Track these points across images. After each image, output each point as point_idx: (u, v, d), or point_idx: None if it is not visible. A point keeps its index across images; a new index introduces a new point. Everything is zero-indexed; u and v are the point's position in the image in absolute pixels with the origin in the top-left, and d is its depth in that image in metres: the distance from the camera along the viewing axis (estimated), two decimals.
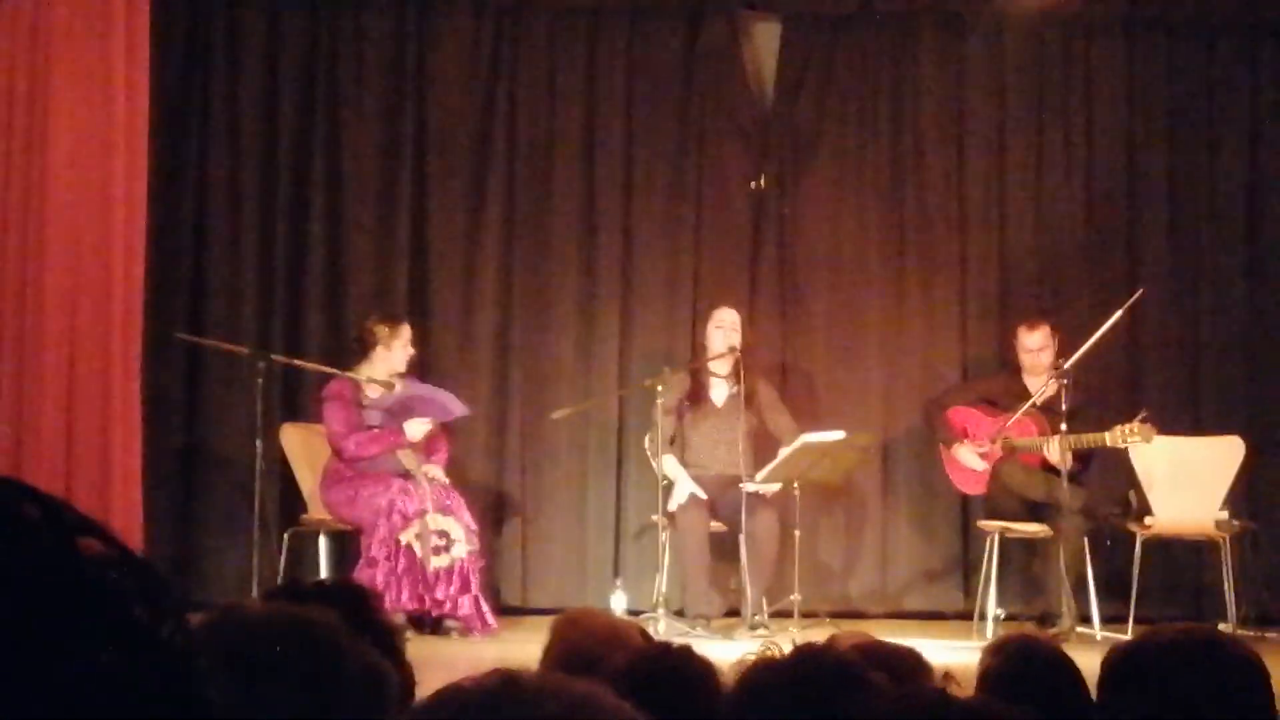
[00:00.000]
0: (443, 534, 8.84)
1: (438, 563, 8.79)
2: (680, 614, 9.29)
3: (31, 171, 7.73)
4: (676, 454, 9.48)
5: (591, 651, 3.62)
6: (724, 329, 9.49)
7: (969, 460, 9.58)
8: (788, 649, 2.72)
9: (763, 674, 2.61)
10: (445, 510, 8.90)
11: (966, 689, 3.06)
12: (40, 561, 1.03)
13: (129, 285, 7.88)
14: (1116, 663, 2.81)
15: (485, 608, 8.96)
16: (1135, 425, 9.02)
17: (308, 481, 9.38)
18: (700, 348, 9.64)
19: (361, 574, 8.68)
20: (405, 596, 8.70)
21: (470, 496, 9.45)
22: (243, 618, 2.07)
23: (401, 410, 9.05)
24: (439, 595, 8.77)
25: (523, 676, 1.26)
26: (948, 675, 3.09)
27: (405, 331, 9.22)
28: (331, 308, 10.14)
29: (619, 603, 9.34)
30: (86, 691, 1.01)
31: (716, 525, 9.36)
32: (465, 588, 8.86)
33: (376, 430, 9.05)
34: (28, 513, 1.04)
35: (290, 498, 9.62)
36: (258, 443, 8.94)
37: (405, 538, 8.74)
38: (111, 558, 1.06)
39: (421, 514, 8.79)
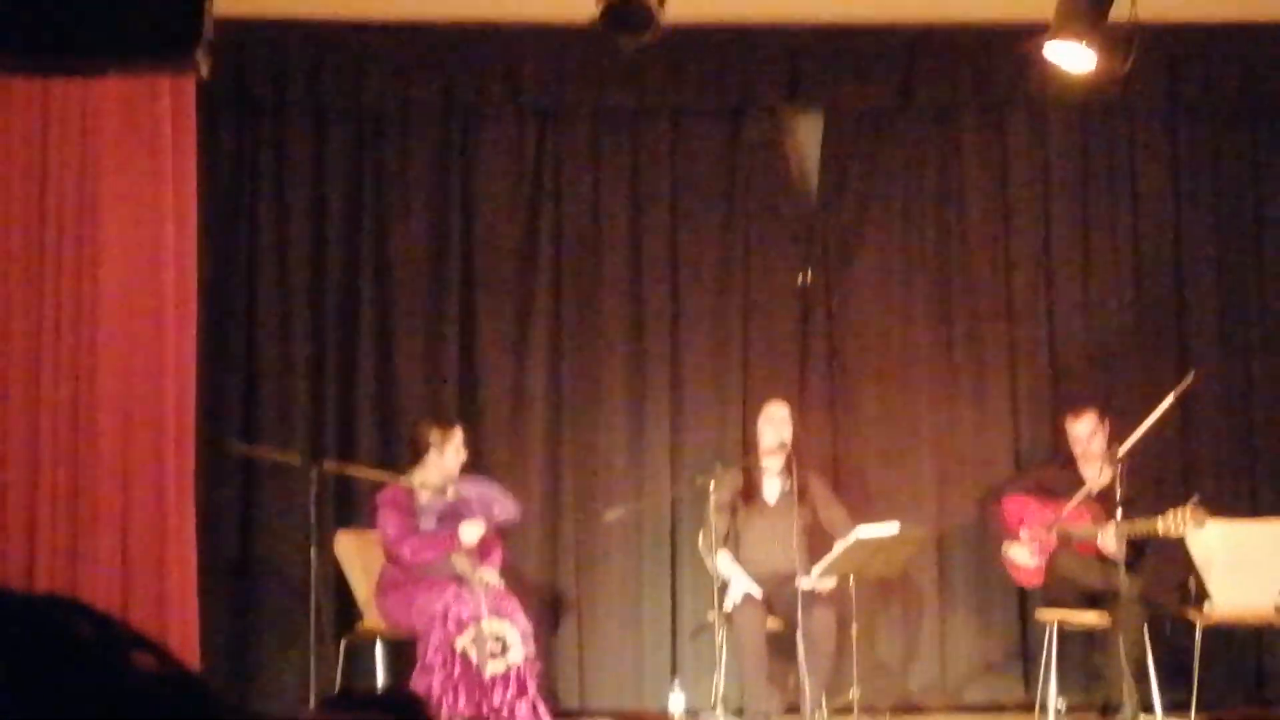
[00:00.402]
0: (498, 639, 8.81)
1: (494, 668, 8.75)
2: (739, 713, 9.24)
3: (83, 288, 7.79)
4: (731, 551, 9.45)
5: None
6: (774, 424, 9.47)
7: (1020, 558, 9.53)
8: None
9: None
10: (500, 614, 8.86)
11: None
12: (94, 679, 1.03)
13: (181, 399, 7.92)
14: None
15: (543, 710, 8.92)
16: (1188, 510, 8.96)
17: (363, 589, 9.37)
18: (751, 444, 9.62)
19: (418, 682, 8.65)
20: (462, 703, 8.66)
21: (525, 599, 9.43)
22: None
23: (455, 514, 9.05)
24: (495, 702, 8.73)
25: None
26: None
27: (457, 435, 9.23)
28: (383, 414, 10.16)
29: (677, 703, 9.29)
30: None
31: (773, 623, 9.32)
32: (522, 692, 8.82)
33: (431, 534, 9.04)
34: (83, 631, 1.04)
35: (346, 606, 9.63)
36: (312, 551, 8.94)
37: (461, 644, 8.71)
38: (165, 673, 1.06)
39: (476, 619, 8.76)
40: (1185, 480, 10.06)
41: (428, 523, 9.06)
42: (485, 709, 8.73)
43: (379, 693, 3.13)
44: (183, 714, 1.05)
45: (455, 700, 8.64)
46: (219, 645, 9.53)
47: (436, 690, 8.58)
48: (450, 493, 9.05)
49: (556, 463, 10.33)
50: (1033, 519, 9.52)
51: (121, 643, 1.05)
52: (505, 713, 8.75)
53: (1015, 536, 9.55)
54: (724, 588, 9.26)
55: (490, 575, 9.09)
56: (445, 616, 8.73)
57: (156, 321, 7.80)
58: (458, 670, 8.70)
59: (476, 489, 9.21)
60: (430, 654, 8.73)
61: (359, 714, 2.14)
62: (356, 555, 9.52)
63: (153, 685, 1.04)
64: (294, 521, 9.61)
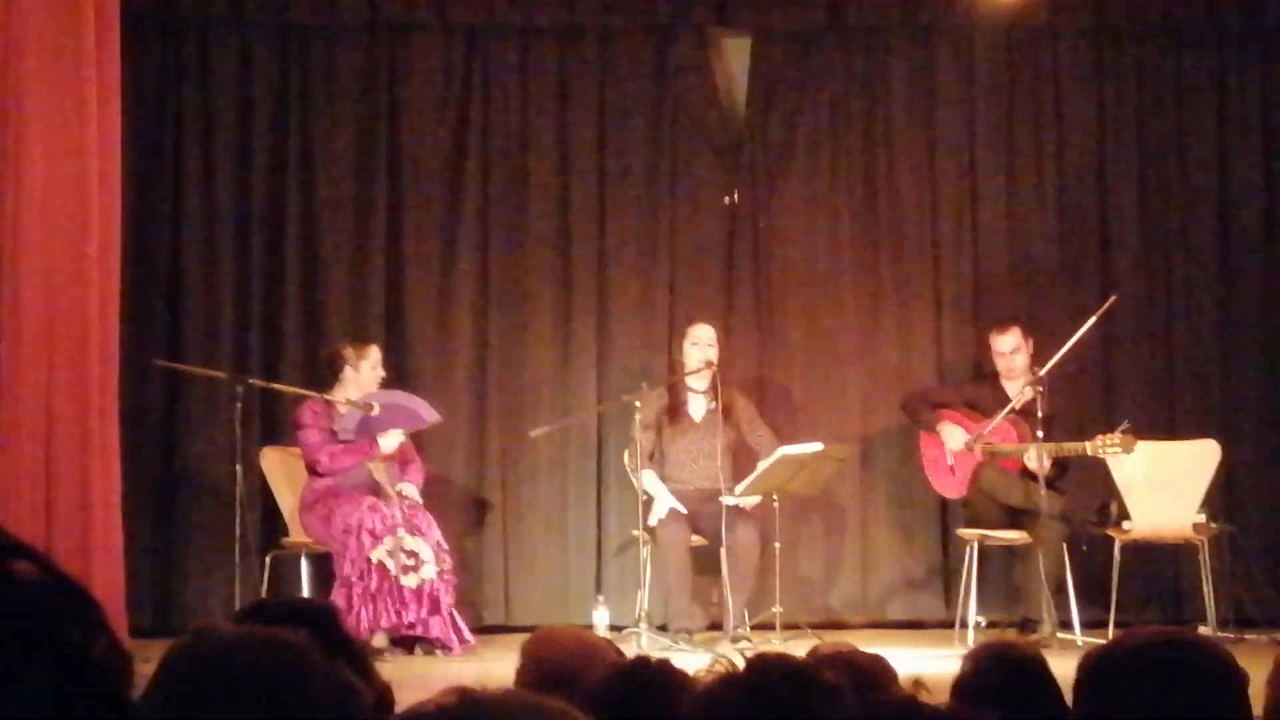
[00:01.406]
0: (412, 554, 8.82)
1: (406, 582, 8.77)
2: (663, 629, 9.31)
3: (4, 204, 7.72)
4: (656, 469, 9.50)
5: (565, 668, 3.64)
6: (700, 345, 9.50)
7: (953, 438, 9.55)
8: (740, 663, 2.72)
9: (718, 689, 2.62)
10: (414, 530, 8.88)
11: (939, 697, 3.08)
12: None
13: (105, 313, 7.87)
14: (1090, 667, 2.82)
15: (461, 624, 8.96)
16: (1117, 436, 9.04)
17: (288, 504, 9.39)
18: (676, 364, 9.64)
19: (337, 594, 8.69)
20: (381, 615, 8.68)
21: (451, 515, 9.49)
22: (214, 640, 2.08)
23: (373, 424, 9.04)
24: (410, 617, 8.76)
25: (482, 694, 1.26)
26: (918, 683, 3.10)
27: (372, 353, 9.22)
28: (308, 331, 10.15)
29: (601, 619, 9.35)
30: (20, 709, 1.02)
31: (697, 539, 9.38)
32: (435, 609, 8.84)
33: (349, 443, 9.04)
34: None
35: (271, 521, 9.64)
36: (237, 467, 8.95)
37: (376, 555, 8.72)
38: (44, 581, 1.07)
39: (393, 530, 8.78)
40: (1105, 401, 10.16)
41: (347, 432, 9.05)
42: (403, 620, 8.76)
43: (293, 604, 3.14)
44: (63, 622, 1.06)
45: (375, 613, 8.66)
46: (144, 559, 9.52)
47: (355, 603, 8.61)
48: (375, 409, 9.04)
49: (483, 380, 10.34)
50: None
51: (1, 551, 1.06)
52: (419, 629, 8.79)
53: (943, 459, 9.62)
54: (649, 504, 9.31)
55: (410, 490, 9.11)
56: (360, 529, 8.73)
57: (80, 237, 7.74)
58: (374, 582, 8.71)
59: (393, 398, 9.19)
60: (347, 567, 8.74)
61: (275, 626, 2.15)
62: (282, 471, 9.53)
63: (33, 593, 1.06)
64: (219, 438, 9.62)
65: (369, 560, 8.71)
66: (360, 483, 9.01)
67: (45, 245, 7.75)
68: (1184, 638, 2.85)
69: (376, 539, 8.74)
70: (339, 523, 8.82)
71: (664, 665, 3.33)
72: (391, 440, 9.09)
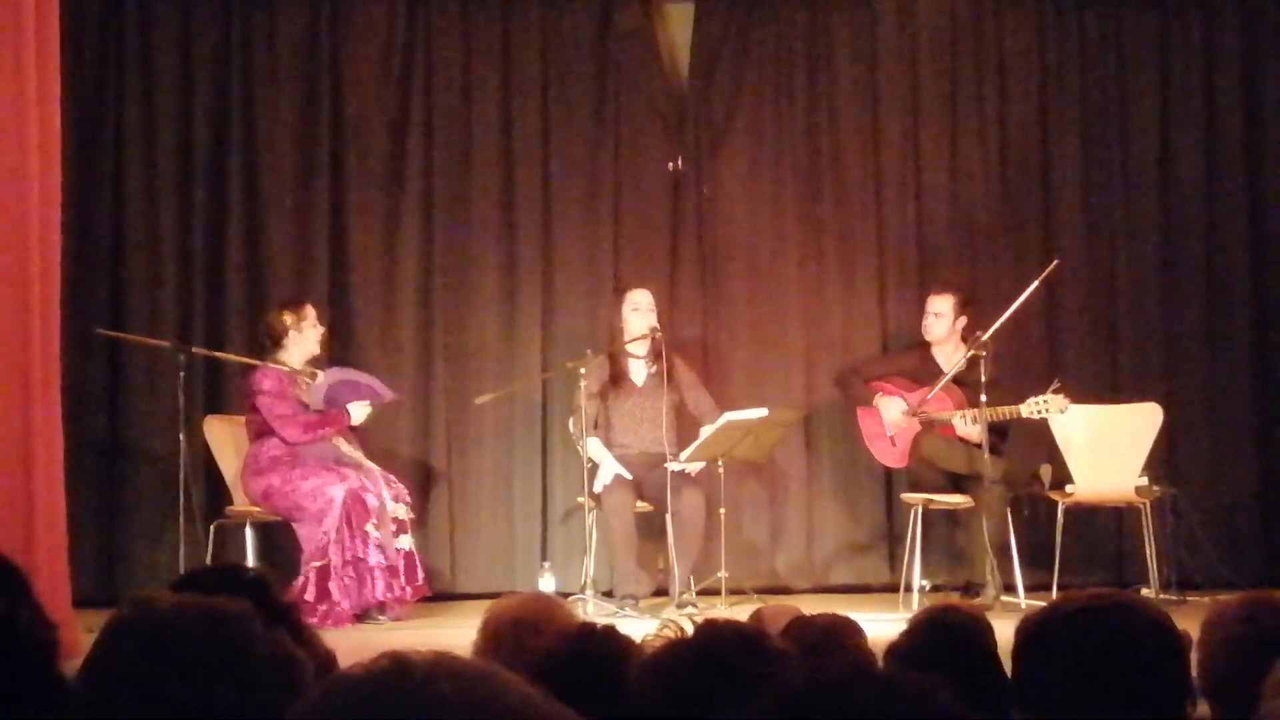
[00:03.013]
0: (397, 519, 8.90)
1: (400, 545, 8.85)
2: (609, 595, 9.32)
3: None
4: (600, 436, 9.51)
5: (517, 635, 3.66)
6: (640, 310, 9.51)
7: (890, 410, 9.59)
8: (689, 628, 2.74)
9: (667, 653, 2.63)
10: (396, 497, 8.96)
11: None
12: None
13: (46, 281, 7.80)
14: (1028, 630, 2.84)
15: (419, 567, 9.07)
16: (1048, 396, 9.10)
17: (232, 473, 9.36)
18: (616, 330, 9.64)
19: (310, 562, 8.69)
20: (368, 591, 8.71)
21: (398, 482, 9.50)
22: (154, 609, 2.08)
23: (338, 396, 9.03)
24: (403, 581, 8.83)
25: (413, 658, 1.27)
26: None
27: (308, 311, 9.20)
28: (252, 299, 10.10)
29: (547, 585, 9.37)
30: None
31: (643, 505, 9.40)
32: (412, 575, 8.91)
33: (320, 414, 9.01)
34: None
35: (216, 490, 9.61)
36: (181, 436, 8.92)
37: (368, 527, 8.74)
38: None
39: (381, 503, 8.83)
40: (1050, 366, 10.21)
41: (315, 404, 9.02)
42: (395, 590, 8.78)
43: (227, 572, 3.13)
44: None
45: (360, 590, 8.68)
46: (87, 529, 9.47)
47: (335, 562, 8.62)
48: (321, 377, 9.02)
49: (428, 347, 10.33)
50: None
51: None
52: (409, 593, 8.86)
53: (881, 431, 9.66)
54: (594, 471, 9.32)
55: (363, 458, 9.13)
56: (348, 500, 8.72)
57: (19, 201, 7.67)
58: (359, 553, 8.72)
59: (348, 375, 9.18)
60: (320, 539, 8.71)
61: (214, 594, 2.16)
62: (225, 440, 9.49)
63: None
64: (163, 407, 9.57)
65: (351, 531, 8.71)
66: (325, 454, 8.98)
67: None
68: (1121, 600, 2.86)
69: (369, 511, 8.75)
70: (307, 493, 8.78)
71: (609, 632, 3.35)
72: (360, 411, 9.07)
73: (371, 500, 8.81)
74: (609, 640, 3.29)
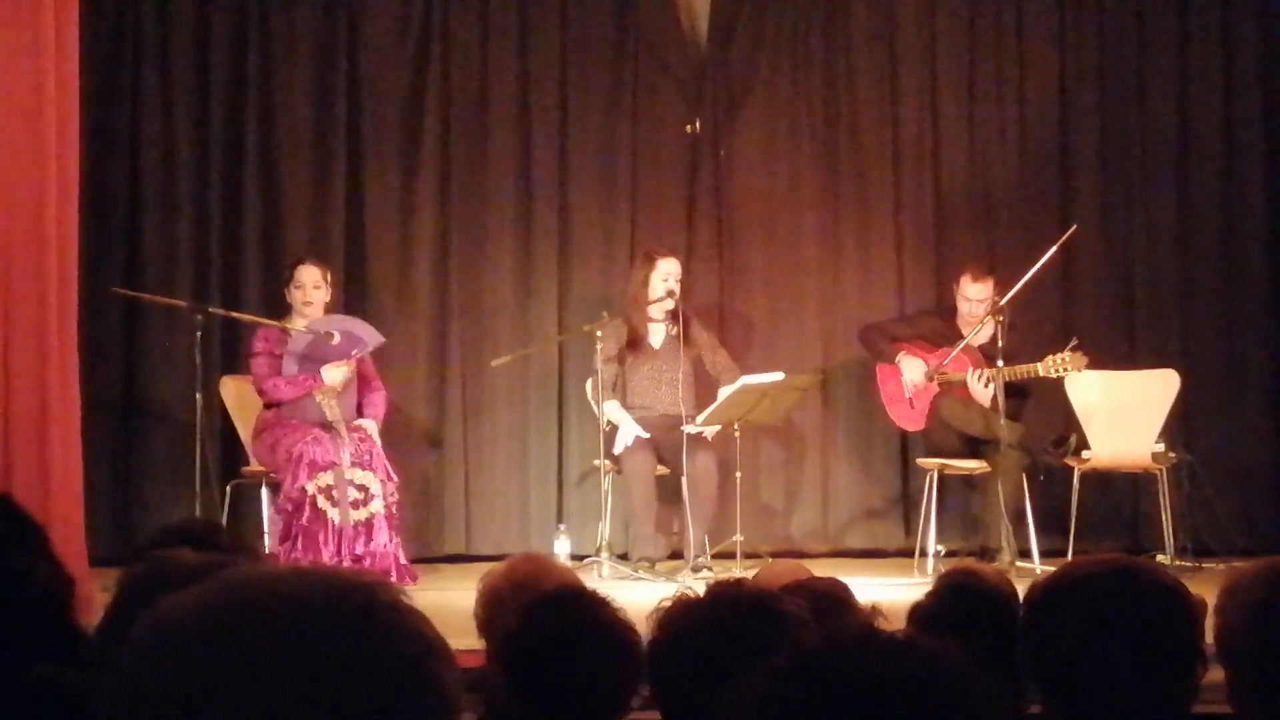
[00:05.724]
0: (362, 488, 8.79)
1: (356, 516, 8.73)
2: (624, 557, 9.33)
3: None
4: (619, 398, 9.51)
5: (520, 597, 3.64)
6: (669, 280, 9.48)
7: (911, 369, 9.57)
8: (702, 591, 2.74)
9: (680, 615, 2.63)
10: (364, 465, 8.83)
11: (897, 624, 3.10)
12: None
13: (64, 242, 7.81)
14: (1038, 595, 2.84)
15: (401, 556, 8.92)
16: (1066, 354, 9.08)
17: (247, 433, 9.37)
18: (632, 296, 9.62)
19: (274, 522, 8.70)
20: (310, 549, 8.62)
21: (412, 445, 9.50)
22: (174, 568, 2.08)
23: (319, 356, 8.99)
24: (358, 550, 8.71)
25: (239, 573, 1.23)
26: (875, 609, 3.13)
27: (303, 274, 9.15)
28: (268, 263, 10.10)
29: (562, 548, 9.39)
30: None
31: (660, 468, 9.40)
32: (380, 540, 8.79)
33: (293, 375, 8.99)
34: None
35: (232, 450, 9.63)
36: (197, 396, 8.93)
37: (311, 488, 8.67)
38: None
39: (334, 465, 8.75)
40: (1065, 333, 10.16)
41: (290, 364, 8.99)
42: (344, 556, 8.67)
43: (181, 526, 3.08)
44: (4, 547, 1.07)
45: (303, 545, 8.61)
46: (104, 488, 9.52)
47: (294, 530, 8.60)
48: (336, 338, 8.99)
49: (444, 310, 10.33)
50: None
51: None
52: (368, 561, 8.71)
53: (901, 392, 9.64)
54: (612, 434, 9.33)
55: (370, 426, 9.05)
56: (300, 460, 8.70)
57: (38, 164, 7.68)
58: (307, 514, 8.67)
59: (341, 324, 9.13)
60: (281, 499, 8.73)
61: (163, 549, 2.16)
62: (241, 400, 9.50)
63: None
64: (179, 367, 9.58)
65: (303, 490, 8.67)
66: (311, 416, 8.96)
67: (2, 174, 7.69)
68: (1132, 565, 2.85)
69: (314, 471, 8.69)
70: (282, 452, 8.79)
71: (579, 592, 3.29)
72: (335, 373, 9.02)
73: (321, 458, 8.71)
74: (565, 613, 3.17)
